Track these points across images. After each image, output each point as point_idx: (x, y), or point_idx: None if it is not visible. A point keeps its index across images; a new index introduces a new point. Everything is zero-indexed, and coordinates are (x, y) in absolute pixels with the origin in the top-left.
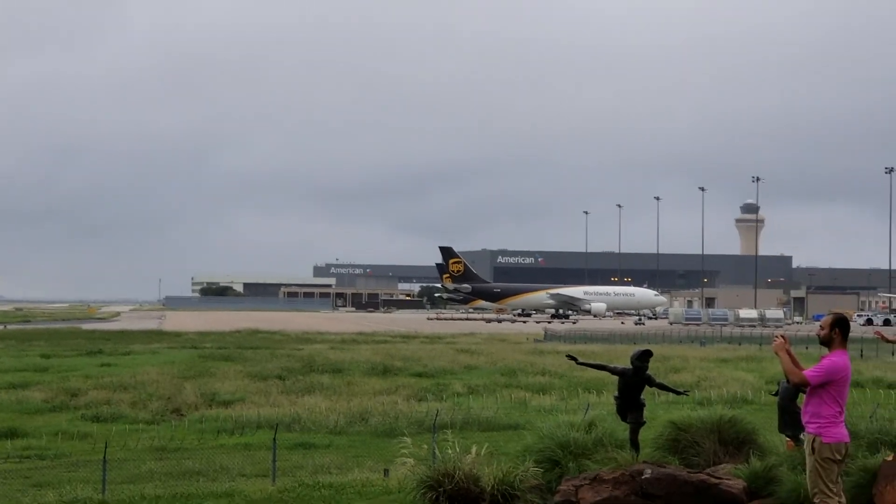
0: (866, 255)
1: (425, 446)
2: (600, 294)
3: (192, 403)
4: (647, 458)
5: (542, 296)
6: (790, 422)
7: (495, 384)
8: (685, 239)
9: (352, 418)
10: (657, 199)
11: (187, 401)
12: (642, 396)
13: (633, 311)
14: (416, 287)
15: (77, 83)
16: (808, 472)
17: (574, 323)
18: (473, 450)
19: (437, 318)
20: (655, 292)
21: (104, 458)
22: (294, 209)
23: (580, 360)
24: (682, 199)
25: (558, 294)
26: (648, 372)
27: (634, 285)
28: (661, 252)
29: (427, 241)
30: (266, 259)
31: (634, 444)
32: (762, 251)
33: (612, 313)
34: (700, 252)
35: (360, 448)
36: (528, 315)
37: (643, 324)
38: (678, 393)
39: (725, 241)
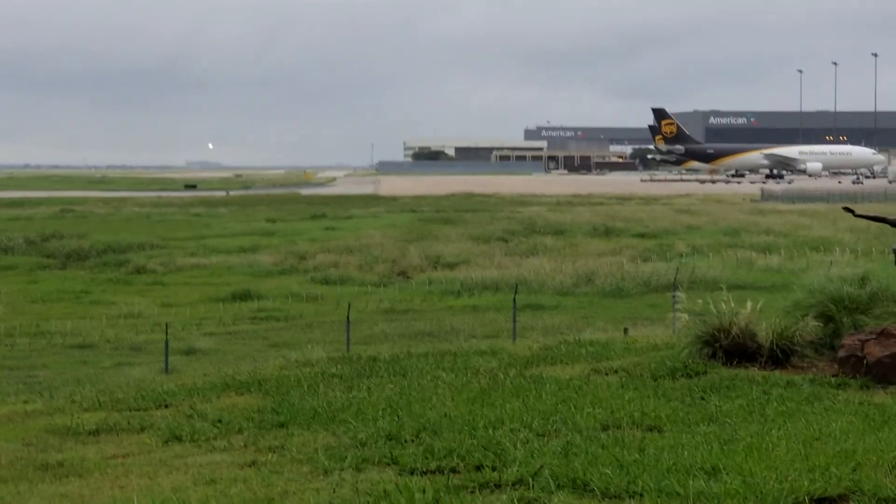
0: None
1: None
2: (816, 153)
3: (418, 266)
4: None
5: (756, 156)
6: None
7: (718, 244)
8: None
9: (577, 279)
10: (874, 55)
11: (412, 263)
12: None
13: (849, 171)
14: (627, 149)
15: None
16: None
17: (790, 183)
18: (749, 305)
19: (651, 180)
20: (873, 151)
21: (347, 318)
22: (504, 73)
23: (858, 212)
24: None
25: (773, 154)
26: None
27: (850, 144)
28: (878, 110)
29: (637, 103)
30: (477, 123)
31: None
32: None
33: (827, 173)
34: None
35: (589, 308)
36: (742, 176)
37: (861, 183)
38: None
39: None
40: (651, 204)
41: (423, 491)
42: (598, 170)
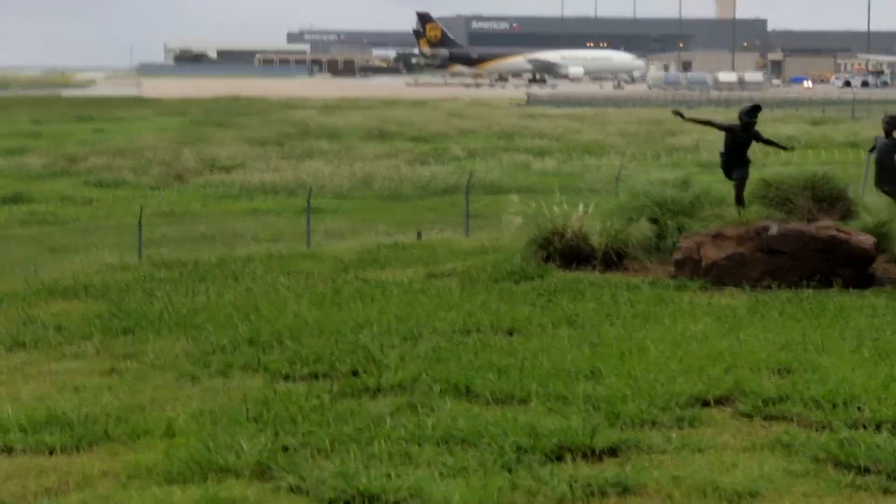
0: (843, 16)
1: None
2: (577, 58)
3: (193, 169)
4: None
5: (519, 61)
6: (888, 177)
7: (494, 148)
8: (662, 3)
9: (355, 183)
10: None
11: (187, 166)
12: (748, 152)
13: (609, 76)
14: (391, 54)
15: None
16: None
17: (553, 87)
18: (580, 207)
19: (416, 84)
20: (633, 56)
21: (139, 221)
22: None
23: (686, 115)
24: None
25: (536, 59)
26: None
27: (611, 50)
28: (637, 16)
29: (400, 7)
30: (239, 26)
31: (740, 201)
32: (737, 15)
33: (589, 77)
34: (675, 16)
35: (368, 212)
36: (505, 80)
37: (622, 88)
38: (785, 148)
39: (700, 5)
40: (419, 107)
41: (306, 397)
42: (363, 74)
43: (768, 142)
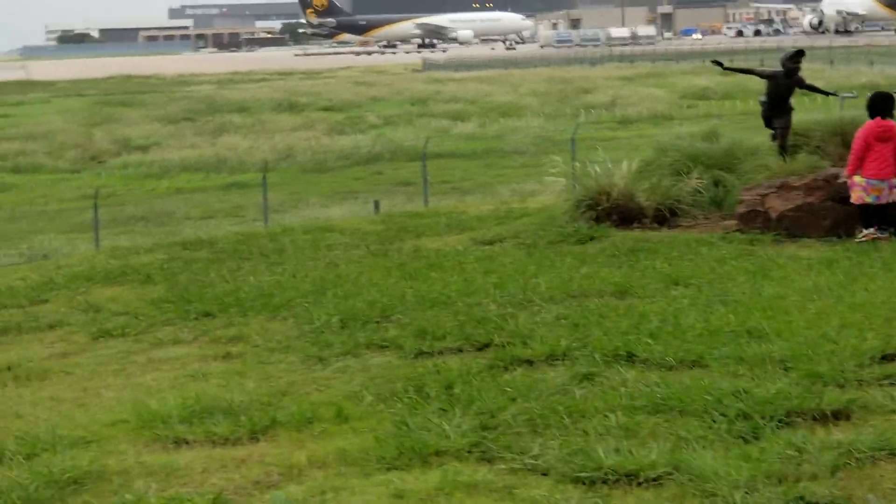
0: None
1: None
2: (466, 21)
3: (108, 150)
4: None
5: (408, 26)
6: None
7: (409, 114)
8: None
9: (277, 156)
10: None
11: (102, 148)
12: (791, 100)
13: (499, 37)
14: (276, 25)
15: None
16: None
17: (444, 52)
18: (624, 165)
19: (305, 55)
20: (522, 16)
21: (95, 205)
22: None
23: (726, 65)
24: None
25: (425, 24)
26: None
27: (497, 11)
28: None
29: None
30: (119, 3)
31: (785, 150)
32: None
33: (478, 40)
34: None
35: (294, 185)
36: (394, 47)
37: (514, 48)
38: (830, 94)
39: None
40: (314, 78)
41: (468, 372)
42: (249, 46)
43: (813, 88)
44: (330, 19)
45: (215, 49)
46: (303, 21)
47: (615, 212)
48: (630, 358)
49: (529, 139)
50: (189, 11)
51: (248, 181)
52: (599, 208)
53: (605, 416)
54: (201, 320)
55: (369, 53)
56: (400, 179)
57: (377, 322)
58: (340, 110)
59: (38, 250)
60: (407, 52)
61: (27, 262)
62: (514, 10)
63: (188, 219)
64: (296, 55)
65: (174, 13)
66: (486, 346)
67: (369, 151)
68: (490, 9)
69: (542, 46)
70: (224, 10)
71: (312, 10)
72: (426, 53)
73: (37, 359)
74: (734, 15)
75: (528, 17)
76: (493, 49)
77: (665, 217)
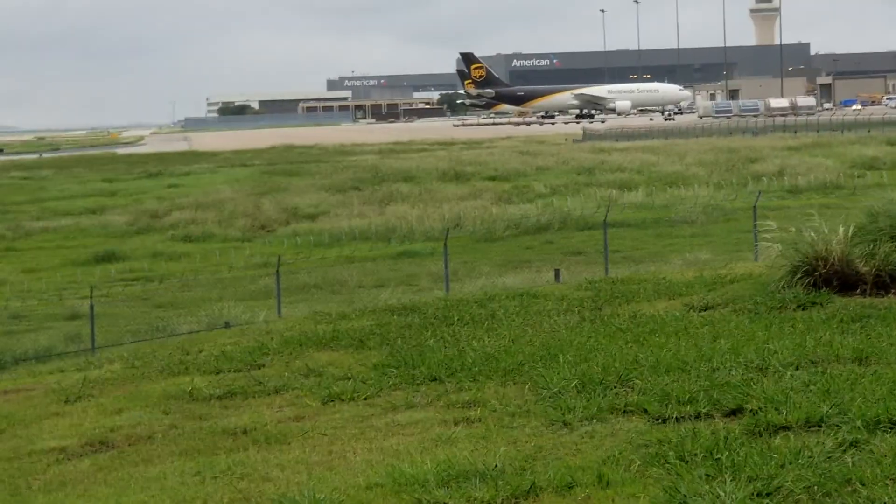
0: (887, 37)
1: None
2: (624, 91)
3: (276, 219)
4: None
5: (566, 97)
6: None
7: (575, 183)
8: (699, 33)
9: (445, 224)
10: None
11: (271, 216)
12: None
13: (656, 108)
14: (433, 96)
15: None
16: None
17: (603, 122)
18: (840, 230)
19: (463, 125)
20: (679, 87)
21: (277, 273)
22: (300, 23)
23: None
24: None
25: (582, 94)
26: None
27: (655, 81)
28: (680, 46)
29: (437, 49)
30: (278, 76)
31: None
32: (778, 40)
33: (636, 111)
34: (716, 45)
35: (465, 254)
36: (552, 117)
37: (673, 119)
38: None
39: (739, 33)
40: (474, 148)
41: (723, 439)
42: (407, 117)
43: None
44: (489, 90)
45: (373, 119)
46: (461, 91)
47: (834, 277)
48: (894, 425)
49: (699, 208)
50: (347, 83)
51: (419, 250)
52: (816, 274)
53: (885, 484)
54: (430, 385)
55: (528, 124)
56: (571, 248)
57: (615, 387)
58: (506, 179)
59: (217, 317)
60: (566, 123)
61: (207, 330)
62: (672, 81)
63: (361, 287)
64: (454, 125)
65: (332, 85)
66: (736, 411)
67: (538, 220)
68: (647, 80)
69: (700, 117)
70: (382, 80)
71: (471, 81)
72: (585, 123)
73: (271, 422)
74: (894, 85)
75: (685, 87)
76: (651, 119)
77: (886, 283)
